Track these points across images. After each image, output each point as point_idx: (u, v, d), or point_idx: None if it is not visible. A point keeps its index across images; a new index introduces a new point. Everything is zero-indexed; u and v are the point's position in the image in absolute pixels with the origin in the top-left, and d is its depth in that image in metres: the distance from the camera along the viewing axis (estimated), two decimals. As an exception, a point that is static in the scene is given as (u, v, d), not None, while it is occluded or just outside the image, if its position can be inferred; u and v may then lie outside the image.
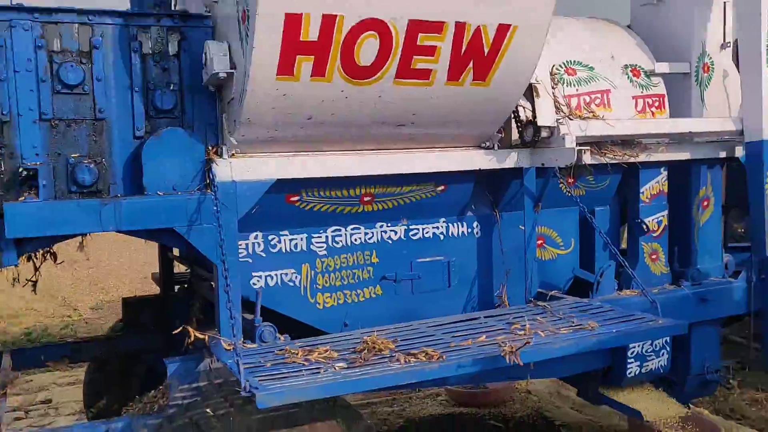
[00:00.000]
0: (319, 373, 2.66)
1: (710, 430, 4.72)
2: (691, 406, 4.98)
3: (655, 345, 4.25)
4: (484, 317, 3.52)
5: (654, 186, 4.38)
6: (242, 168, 3.23)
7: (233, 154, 3.24)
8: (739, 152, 4.50)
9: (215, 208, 3.11)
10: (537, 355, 2.97)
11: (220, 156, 3.22)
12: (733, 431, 5.01)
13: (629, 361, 4.15)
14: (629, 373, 4.19)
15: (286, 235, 3.54)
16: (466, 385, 5.65)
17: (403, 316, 3.76)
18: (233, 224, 3.18)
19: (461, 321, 3.51)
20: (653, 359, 4.27)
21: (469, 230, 3.99)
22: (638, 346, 4.15)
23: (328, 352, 2.91)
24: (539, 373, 3.68)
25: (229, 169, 3.21)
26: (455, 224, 3.95)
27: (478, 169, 3.76)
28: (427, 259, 3.88)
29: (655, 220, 4.40)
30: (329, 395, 2.55)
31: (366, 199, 3.63)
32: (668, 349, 4.34)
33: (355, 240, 3.71)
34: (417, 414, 5.49)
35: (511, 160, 3.81)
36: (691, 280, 4.47)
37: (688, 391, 4.66)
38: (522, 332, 3.14)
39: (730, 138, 4.47)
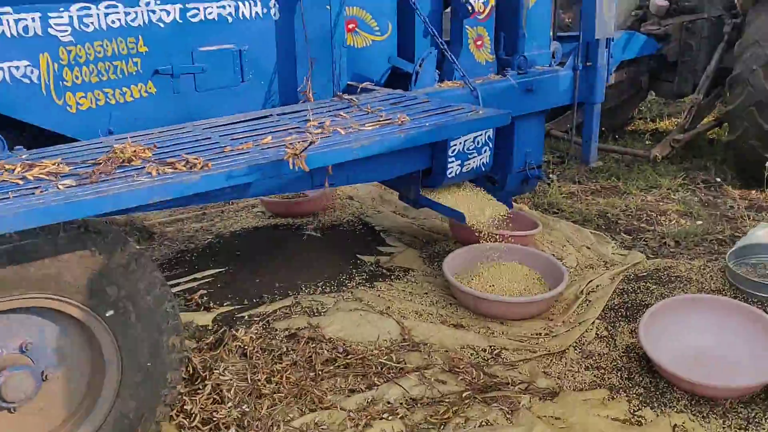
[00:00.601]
0: (33, 194, 1.99)
1: (529, 225, 4.64)
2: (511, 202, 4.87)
3: (477, 142, 3.92)
4: (278, 115, 2.91)
5: (481, -42, 3.81)
6: None
7: None
8: None
9: None
10: (330, 158, 2.44)
11: None
12: (550, 224, 4.99)
13: (450, 160, 3.81)
14: (450, 173, 3.86)
15: (9, 13, 2.64)
16: (281, 194, 5.18)
17: (186, 119, 3.08)
18: None
19: (248, 120, 2.88)
20: (475, 157, 3.96)
21: (265, 11, 3.26)
22: (459, 143, 3.80)
23: (57, 167, 2.21)
24: (349, 177, 3.24)
25: None
26: (246, 3, 3.20)
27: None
28: (213, 48, 3.16)
29: (481, 1, 3.88)
30: (26, 226, 1.89)
31: (120, -36, 2.77)
32: (490, 145, 4.03)
33: (113, 22, 2.87)
34: (228, 229, 4.98)
35: None
36: (517, 69, 4.09)
37: (510, 189, 4.47)
38: (319, 130, 2.59)
39: None
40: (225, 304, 3.87)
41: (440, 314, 3.77)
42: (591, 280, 4.12)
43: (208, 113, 3.15)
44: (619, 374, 3.25)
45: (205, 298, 3.93)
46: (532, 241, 4.55)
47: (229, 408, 2.94)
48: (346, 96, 3.24)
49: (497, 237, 4.10)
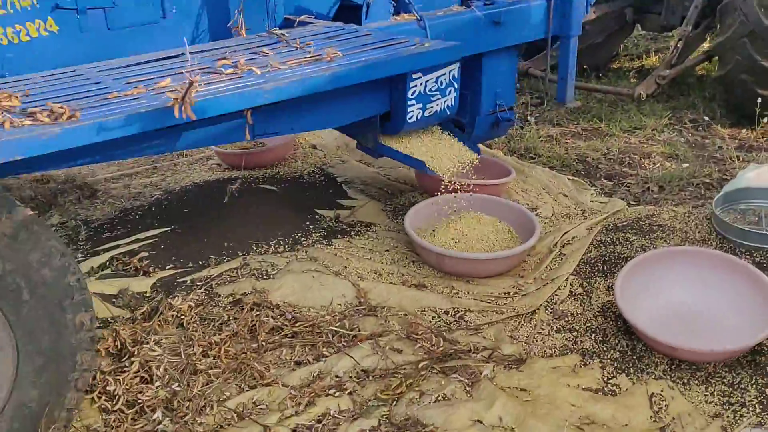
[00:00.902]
0: None
1: (501, 172, 4.30)
2: (483, 148, 4.52)
3: (440, 82, 3.52)
4: (190, 53, 2.51)
5: None
6: None
7: None
8: None
9: None
10: (229, 103, 2.06)
11: None
12: (525, 171, 4.64)
13: (410, 103, 3.42)
14: (410, 118, 3.48)
15: None
16: (239, 143, 4.82)
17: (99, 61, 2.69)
18: None
19: (152, 61, 2.48)
20: (438, 99, 3.57)
21: (186, -66, 2.84)
22: (420, 84, 3.41)
23: None
24: (290, 126, 2.85)
25: None
26: (163, -76, 2.78)
27: None
28: (127, -22, 2.74)
29: None
30: None
31: None
32: (456, 86, 3.64)
33: (-2, -52, 2.46)
34: (178, 183, 4.60)
35: None
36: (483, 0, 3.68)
37: (479, 133, 4.10)
38: (230, 71, 2.20)
39: None
40: (167, 267, 3.53)
41: (401, 273, 3.45)
42: (566, 231, 3.80)
43: (124, 54, 2.75)
44: (593, 337, 2.95)
45: (145, 261, 3.58)
46: (505, 190, 4.21)
47: (157, 388, 2.63)
48: (277, 31, 2.83)
49: (465, 187, 3.75)
